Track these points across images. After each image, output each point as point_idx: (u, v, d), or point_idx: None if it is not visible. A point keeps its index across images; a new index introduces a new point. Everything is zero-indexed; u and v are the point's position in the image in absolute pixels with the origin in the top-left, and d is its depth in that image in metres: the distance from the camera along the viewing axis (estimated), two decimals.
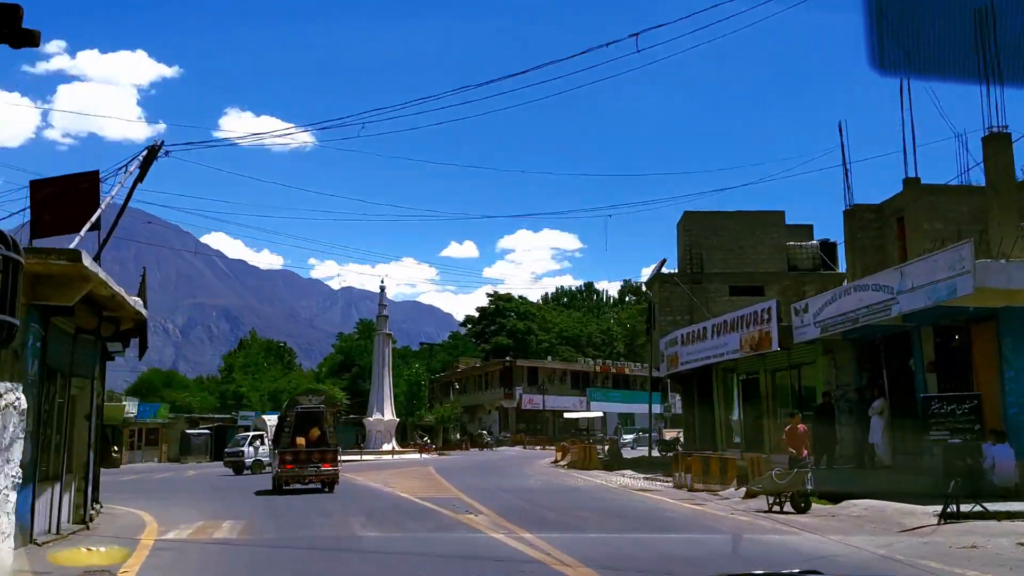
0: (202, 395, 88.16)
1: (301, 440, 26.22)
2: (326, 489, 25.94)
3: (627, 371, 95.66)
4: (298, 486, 26.27)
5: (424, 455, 55.96)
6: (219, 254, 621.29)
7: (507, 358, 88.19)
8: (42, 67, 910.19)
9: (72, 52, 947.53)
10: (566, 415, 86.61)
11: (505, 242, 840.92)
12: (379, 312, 59.69)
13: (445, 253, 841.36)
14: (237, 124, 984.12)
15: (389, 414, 58.82)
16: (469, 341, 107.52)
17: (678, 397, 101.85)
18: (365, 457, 54.32)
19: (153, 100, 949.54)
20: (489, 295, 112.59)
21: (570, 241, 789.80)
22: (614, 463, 37.20)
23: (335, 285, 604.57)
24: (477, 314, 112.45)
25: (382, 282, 59.12)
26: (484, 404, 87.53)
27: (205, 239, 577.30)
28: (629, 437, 67.76)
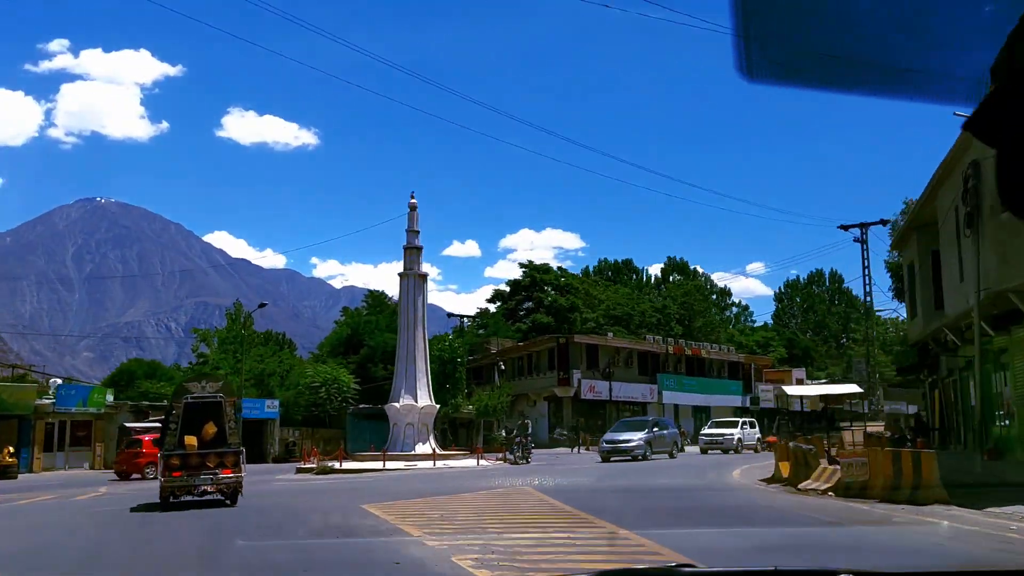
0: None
1: (191, 440, 19.48)
2: (227, 502, 19.48)
3: (703, 353, 74.04)
4: (189, 498, 19.77)
5: (485, 462, 34.72)
6: (222, 253, 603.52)
7: (560, 334, 66.81)
8: (45, 66, 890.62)
9: (75, 51, 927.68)
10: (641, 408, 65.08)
11: (508, 241, 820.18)
12: (408, 241, 38.67)
13: (448, 252, 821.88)
14: (240, 123, 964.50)
15: (425, 399, 37.68)
16: (500, 319, 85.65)
17: (771, 388, 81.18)
18: (391, 465, 32.95)
19: (156, 99, 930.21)
20: (523, 266, 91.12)
21: (572, 240, 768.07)
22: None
23: (337, 284, 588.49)
24: (508, 288, 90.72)
25: (412, 198, 37.91)
26: (528, 393, 65.65)
27: (208, 238, 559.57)
28: (734, 433, 45.19)
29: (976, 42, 1.56)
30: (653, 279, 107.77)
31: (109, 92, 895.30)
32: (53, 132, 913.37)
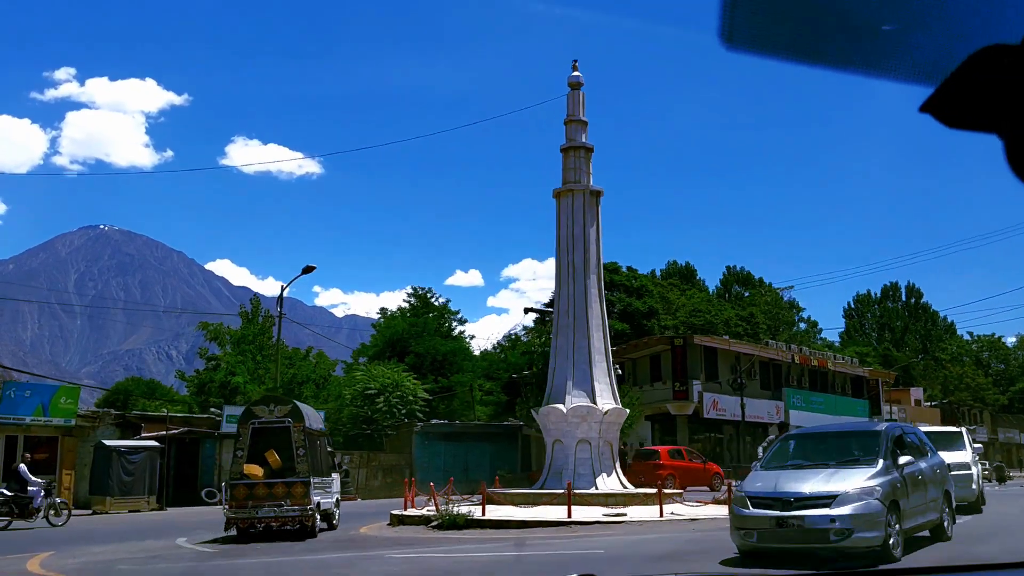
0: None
1: (253, 469, 17.60)
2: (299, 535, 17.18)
3: (829, 364, 58.22)
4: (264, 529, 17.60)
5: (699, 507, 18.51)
6: (224, 281, 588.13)
7: (675, 334, 51.37)
8: (51, 94, 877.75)
9: (81, 79, 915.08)
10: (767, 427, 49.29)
11: (510, 270, 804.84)
12: (569, 137, 22.34)
13: (451, 281, 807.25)
14: (244, 151, 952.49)
15: (608, 397, 21.54)
16: None
17: (891, 408, 65.21)
18: (577, 511, 17.08)
19: (161, 127, 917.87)
20: None
21: None
22: None
23: (339, 313, 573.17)
24: None
25: (575, 69, 21.78)
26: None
27: (210, 266, 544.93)
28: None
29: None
30: (714, 289, 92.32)
31: (114, 120, 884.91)
32: (58, 159, 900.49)
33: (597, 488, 20.16)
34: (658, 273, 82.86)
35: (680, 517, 17.64)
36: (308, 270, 33.02)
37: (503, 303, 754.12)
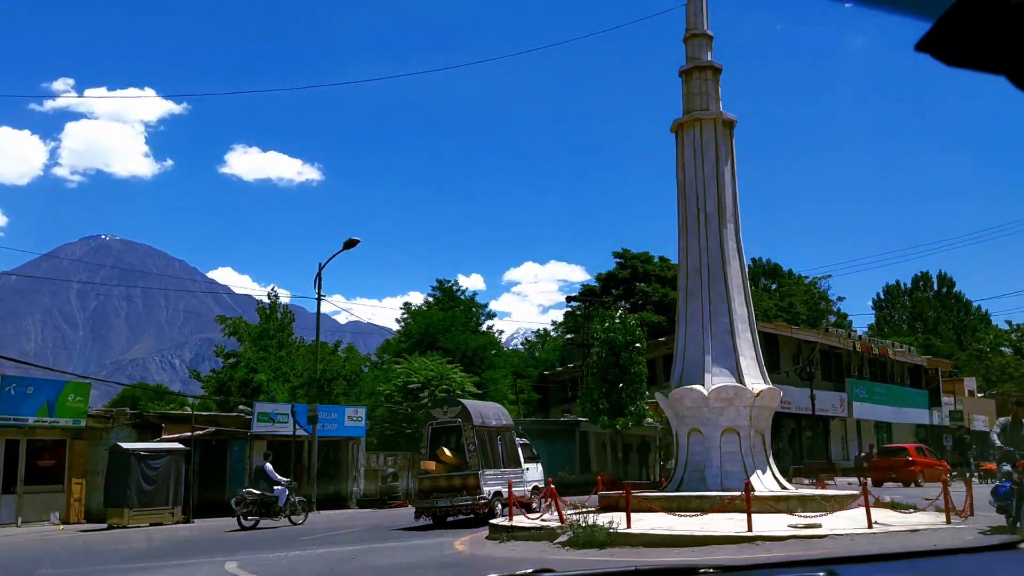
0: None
1: (429, 464, 20.07)
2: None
3: (889, 353, 53.77)
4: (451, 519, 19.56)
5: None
6: (226, 289, 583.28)
7: None
8: (50, 105, 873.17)
9: (80, 90, 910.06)
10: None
11: (511, 274, 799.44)
12: (691, 55, 17.67)
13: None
14: (244, 160, 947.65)
15: (757, 376, 16.87)
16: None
17: (956, 398, 60.16)
18: (762, 522, 12.57)
19: (161, 136, 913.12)
20: (617, 255, 70.90)
21: (577, 273, 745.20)
22: None
23: (342, 320, 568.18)
24: (598, 284, 70.43)
25: None
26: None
27: (212, 274, 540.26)
28: None
29: None
30: None
31: (114, 130, 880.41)
32: (58, 171, 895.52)
33: (754, 489, 15.73)
34: None
35: (893, 528, 13.22)
36: (351, 244, 28.59)
37: (505, 307, 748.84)
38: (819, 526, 13.30)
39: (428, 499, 19.45)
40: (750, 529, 12.90)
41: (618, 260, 70.34)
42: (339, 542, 17.33)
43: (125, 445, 24.47)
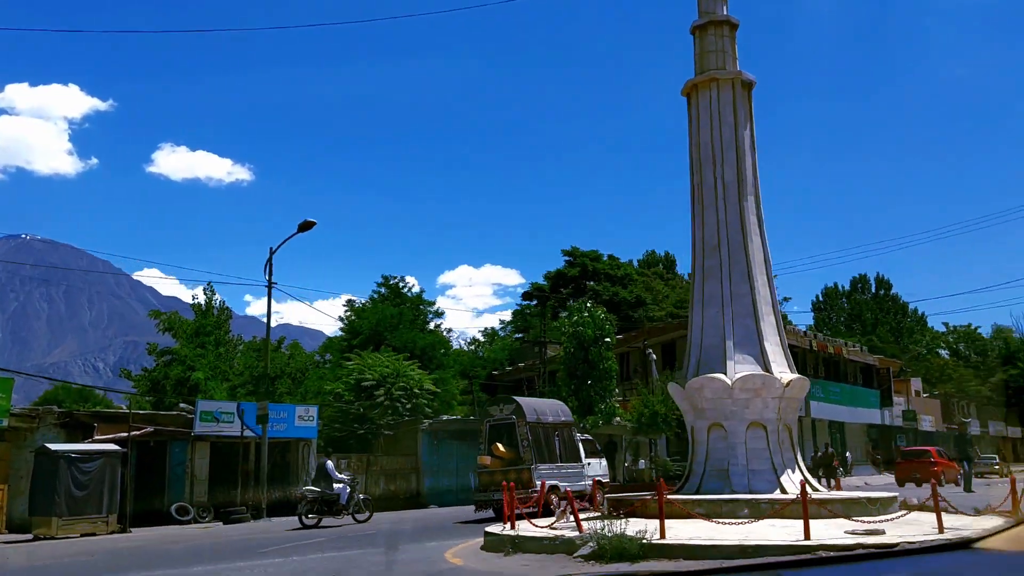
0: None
1: (485, 459, 21.14)
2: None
3: (844, 352, 53.02)
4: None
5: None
6: (152, 291, 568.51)
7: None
8: None
9: (0, 85, 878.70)
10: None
11: (446, 277, 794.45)
12: (706, 9, 15.98)
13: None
14: (172, 159, 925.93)
15: (783, 365, 15.30)
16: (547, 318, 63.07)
17: (904, 398, 59.79)
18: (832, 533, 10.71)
19: (86, 134, 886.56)
20: (567, 252, 69.36)
21: (512, 276, 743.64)
22: None
23: (272, 323, 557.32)
24: (547, 283, 68.64)
25: None
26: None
27: (138, 275, 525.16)
28: None
29: None
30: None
31: (36, 127, 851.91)
32: None
33: (784, 490, 13.89)
34: (636, 264, 76.99)
35: (965, 533, 11.52)
36: (307, 226, 26.17)
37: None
38: (882, 532, 11.52)
39: (485, 492, 20.37)
40: (807, 537, 11.04)
41: (567, 258, 68.76)
42: (305, 551, 15.13)
43: (53, 447, 21.73)
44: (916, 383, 65.97)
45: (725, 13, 16.10)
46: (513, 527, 13.80)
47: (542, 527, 13.13)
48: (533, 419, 21.11)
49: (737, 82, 15.78)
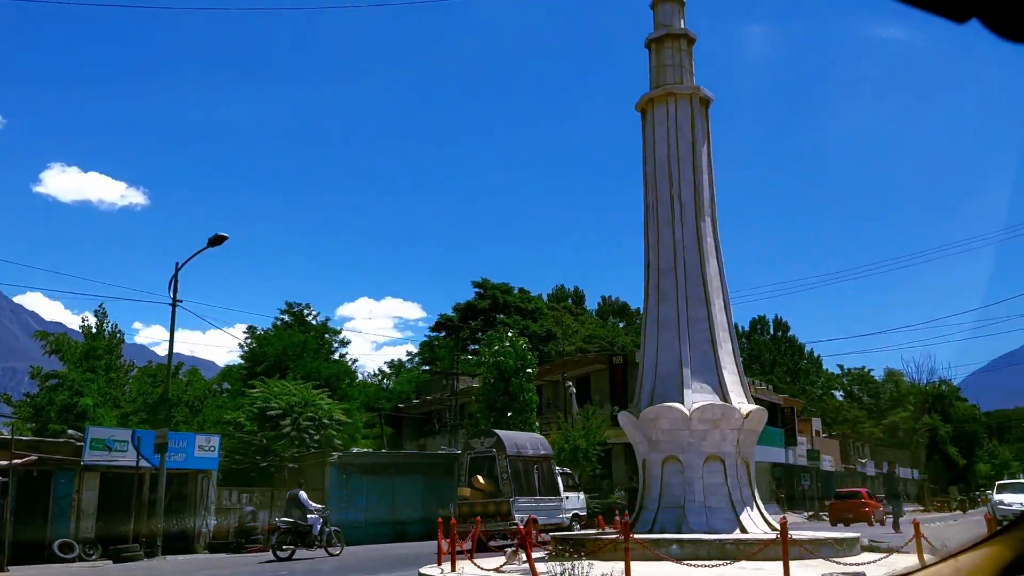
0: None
1: (465, 491, 21.80)
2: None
3: (752, 391, 53.15)
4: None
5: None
6: (34, 315, 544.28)
7: (615, 353, 45.33)
8: None
9: None
10: None
11: (345, 309, 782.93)
12: (661, 21, 15.01)
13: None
14: (62, 179, 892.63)
15: (740, 394, 14.70)
16: (454, 352, 61.65)
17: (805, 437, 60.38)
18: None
19: None
20: (477, 284, 68.42)
21: (413, 310, 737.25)
22: None
23: (161, 351, 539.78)
24: (455, 315, 67.46)
25: None
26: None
27: (19, 299, 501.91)
28: None
29: None
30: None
31: None
32: None
33: (744, 529, 12.97)
34: (545, 298, 76.49)
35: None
36: (217, 240, 24.37)
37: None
38: (862, 574, 10.68)
39: (465, 524, 19.57)
40: None
41: (478, 290, 67.76)
42: None
43: None
44: (816, 423, 66.98)
45: (683, 26, 15.41)
46: (453, 568, 12.49)
47: (488, 570, 11.86)
48: (513, 452, 21.50)
49: (695, 98, 15.09)
